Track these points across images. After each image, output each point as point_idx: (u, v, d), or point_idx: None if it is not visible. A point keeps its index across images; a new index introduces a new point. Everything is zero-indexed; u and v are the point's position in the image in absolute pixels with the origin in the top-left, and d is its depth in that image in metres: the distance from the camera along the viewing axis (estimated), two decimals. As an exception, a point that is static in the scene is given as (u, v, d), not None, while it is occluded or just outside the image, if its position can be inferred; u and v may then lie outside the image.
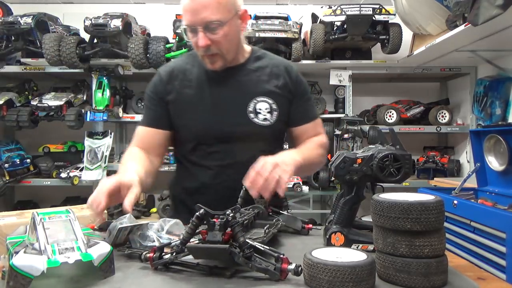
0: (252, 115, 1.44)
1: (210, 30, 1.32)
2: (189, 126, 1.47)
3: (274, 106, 1.46)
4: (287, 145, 1.64)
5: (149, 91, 1.52)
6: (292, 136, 1.56)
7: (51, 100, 3.42)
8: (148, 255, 0.92)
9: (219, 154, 1.45)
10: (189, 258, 0.90)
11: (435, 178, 3.28)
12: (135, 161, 1.37)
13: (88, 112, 3.43)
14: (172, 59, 3.16)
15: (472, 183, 2.27)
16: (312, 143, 1.50)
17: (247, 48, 1.54)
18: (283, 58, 1.63)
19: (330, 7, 3.35)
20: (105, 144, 3.44)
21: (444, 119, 3.58)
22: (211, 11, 1.29)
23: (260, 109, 1.45)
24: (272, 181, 1.10)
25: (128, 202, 1.08)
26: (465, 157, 3.62)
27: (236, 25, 1.39)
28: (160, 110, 1.48)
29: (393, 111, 3.58)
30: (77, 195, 3.67)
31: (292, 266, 0.81)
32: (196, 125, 1.45)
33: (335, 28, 3.39)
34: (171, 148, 1.61)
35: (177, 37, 3.34)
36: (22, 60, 3.59)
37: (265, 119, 1.45)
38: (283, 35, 3.29)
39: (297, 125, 1.53)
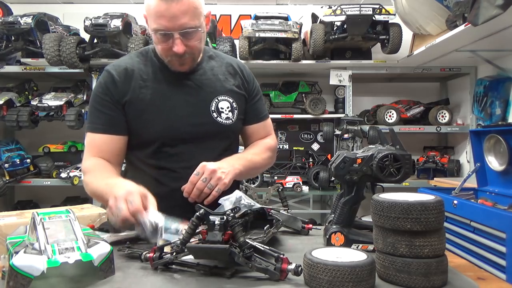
0: (215, 114, 1.43)
1: (187, 36, 1.29)
2: (150, 127, 1.38)
3: (234, 105, 1.46)
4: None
5: (99, 93, 1.39)
6: (245, 134, 1.57)
7: (51, 100, 3.43)
8: (148, 255, 0.92)
9: (183, 156, 1.39)
10: (189, 258, 0.90)
11: (435, 178, 3.28)
12: (114, 173, 1.33)
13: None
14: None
15: (472, 183, 2.27)
16: (259, 147, 1.53)
17: None
18: (233, 57, 1.63)
19: (330, 7, 3.35)
20: (105, 144, 3.44)
21: (444, 119, 3.58)
22: (189, 17, 1.26)
23: (222, 108, 1.44)
24: (205, 190, 1.21)
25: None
26: (465, 157, 3.62)
27: (205, 28, 1.38)
28: (115, 113, 1.37)
29: (393, 111, 3.58)
30: (77, 195, 3.67)
31: (292, 266, 0.81)
32: (159, 126, 1.38)
33: (335, 28, 3.39)
34: None
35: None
36: (22, 60, 3.59)
37: (227, 118, 1.44)
38: (283, 35, 3.29)
39: (249, 124, 1.54)
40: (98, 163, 1.36)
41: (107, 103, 1.38)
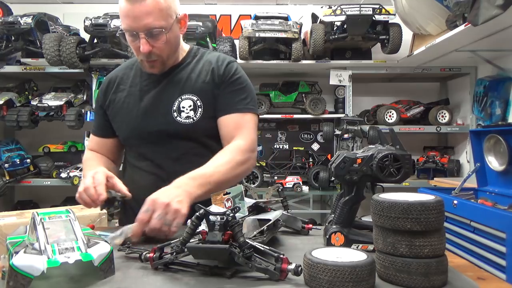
0: (175, 114, 1.42)
1: (153, 37, 1.32)
2: (119, 129, 1.51)
3: (198, 103, 1.42)
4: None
5: (95, 100, 1.64)
6: (218, 129, 1.45)
7: (51, 100, 3.43)
8: (148, 255, 0.92)
9: (148, 155, 1.45)
10: (189, 258, 0.90)
11: (435, 178, 3.28)
12: (97, 162, 1.49)
13: (88, 112, 3.44)
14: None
15: (472, 183, 2.27)
16: (223, 154, 1.34)
17: (185, 47, 1.53)
18: (221, 54, 1.54)
19: (330, 7, 3.35)
20: (105, 144, 3.45)
21: (444, 119, 3.58)
22: (153, 17, 1.28)
23: (183, 107, 1.42)
24: (163, 228, 1.07)
25: (125, 190, 1.27)
26: (465, 157, 3.62)
27: (176, 31, 1.39)
28: (101, 119, 1.55)
29: (393, 111, 3.58)
30: (77, 195, 3.66)
31: (292, 266, 0.81)
32: (124, 128, 1.49)
33: (335, 28, 3.39)
34: None
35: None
36: (22, 60, 3.59)
37: (187, 117, 1.42)
38: (283, 35, 3.29)
39: (219, 116, 1.43)
40: (91, 155, 1.56)
41: (97, 109, 1.58)
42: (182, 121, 1.41)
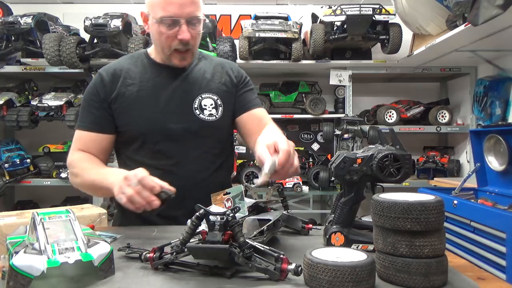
0: (198, 111, 1.45)
1: (192, 25, 1.37)
2: (134, 124, 1.44)
3: (219, 102, 1.48)
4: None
5: (89, 93, 1.47)
6: (239, 127, 1.54)
7: (51, 100, 3.42)
8: (148, 255, 0.92)
9: (166, 153, 1.43)
10: (189, 258, 0.90)
11: (435, 178, 3.29)
12: (96, 164, 1.40)
13: (88, 112, 3.43)
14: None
15: (472, 183, 2.27)
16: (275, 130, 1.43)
17: None
18: (224, 59, 1.67)
19: (330, 7, 3.35)
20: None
21: (444, 119, 3.58)
22: (195, 6, 1.36)
23: (205, 105, 1.46)
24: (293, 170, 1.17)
25: (167, 185, 1.15)
26: (465, 157, 3.62)
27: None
28: (102, 113, 1.44)
29: (393, 111, 3.58)
30: (77, 195, 3.66)
31: (292, 266, 0.81)
32: (141, 123, 1.43)
33: (335, 28, 3.39)
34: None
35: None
36: (22, 60, 3.59)
37: (210, 115, 1.46)
38: (283, 35, 3.29)
39: (238, 115, 1.53)
40: (84, 156, 1.42)
41: (94, 103, 1.45)
42: (206, 118, 1.45)
